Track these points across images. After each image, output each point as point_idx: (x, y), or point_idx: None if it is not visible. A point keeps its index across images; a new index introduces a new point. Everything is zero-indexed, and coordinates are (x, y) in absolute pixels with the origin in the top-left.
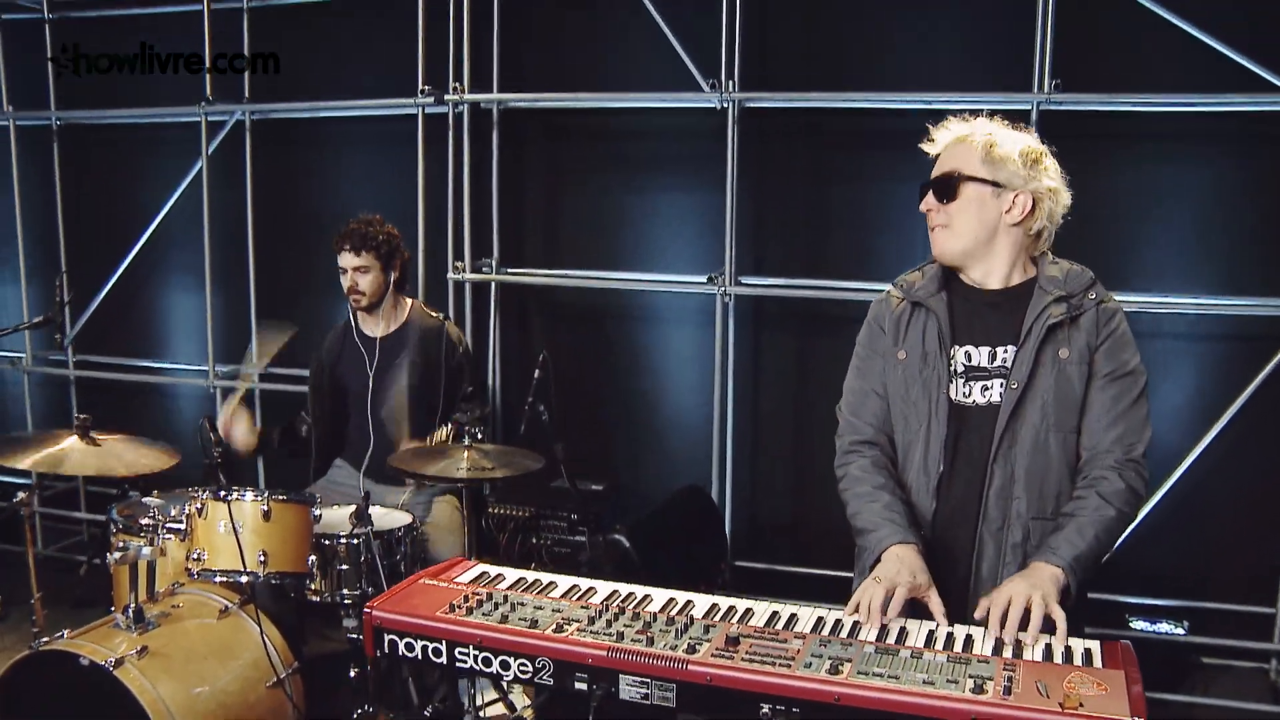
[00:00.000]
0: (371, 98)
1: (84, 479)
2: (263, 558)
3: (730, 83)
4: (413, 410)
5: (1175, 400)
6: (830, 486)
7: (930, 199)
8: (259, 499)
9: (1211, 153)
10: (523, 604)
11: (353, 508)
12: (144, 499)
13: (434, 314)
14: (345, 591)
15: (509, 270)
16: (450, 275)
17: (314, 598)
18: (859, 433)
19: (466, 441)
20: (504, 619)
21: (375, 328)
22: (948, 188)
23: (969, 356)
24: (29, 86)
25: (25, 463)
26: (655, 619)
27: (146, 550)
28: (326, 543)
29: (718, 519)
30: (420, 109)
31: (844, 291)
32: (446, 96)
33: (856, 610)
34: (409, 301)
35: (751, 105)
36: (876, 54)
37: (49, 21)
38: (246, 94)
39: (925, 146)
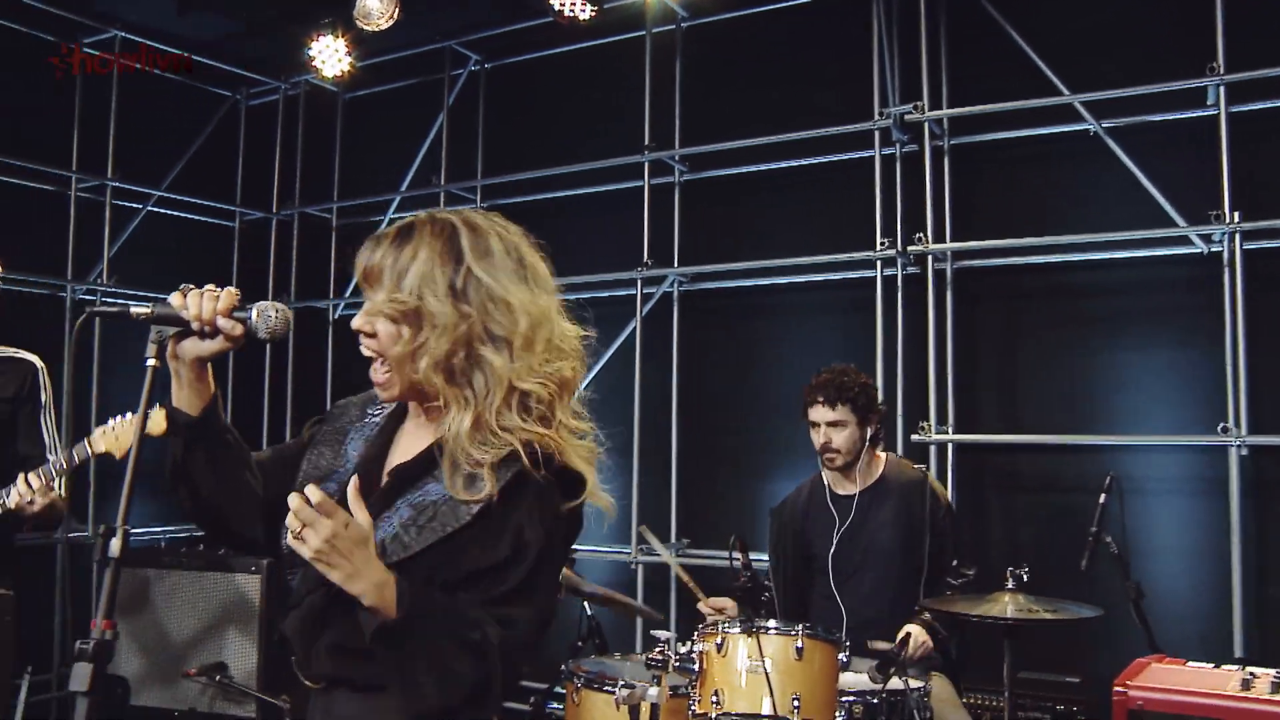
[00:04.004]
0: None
1: None
2: (796, 703)
3: (1234, 214)
4: (895, 572)
5: None
6: None
7: None
8: (792, 634)
9: None
10: None
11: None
12: (653, 631)
13: (915, 466)
14: None
15: (970, 434)
16: (914, 437)
17: None
18: None
19: (1010, 584)
20: None
21: (849, 485)
22: None
23: None
24: None
25: None
26: None
27: (654, 691)
28: (841, 699)
29: None
30: (879, 264)
31: None
32: (910, 248)
33: None
34: (883, 456)
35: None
36: None
37: None
38: (676, 261)
39: None
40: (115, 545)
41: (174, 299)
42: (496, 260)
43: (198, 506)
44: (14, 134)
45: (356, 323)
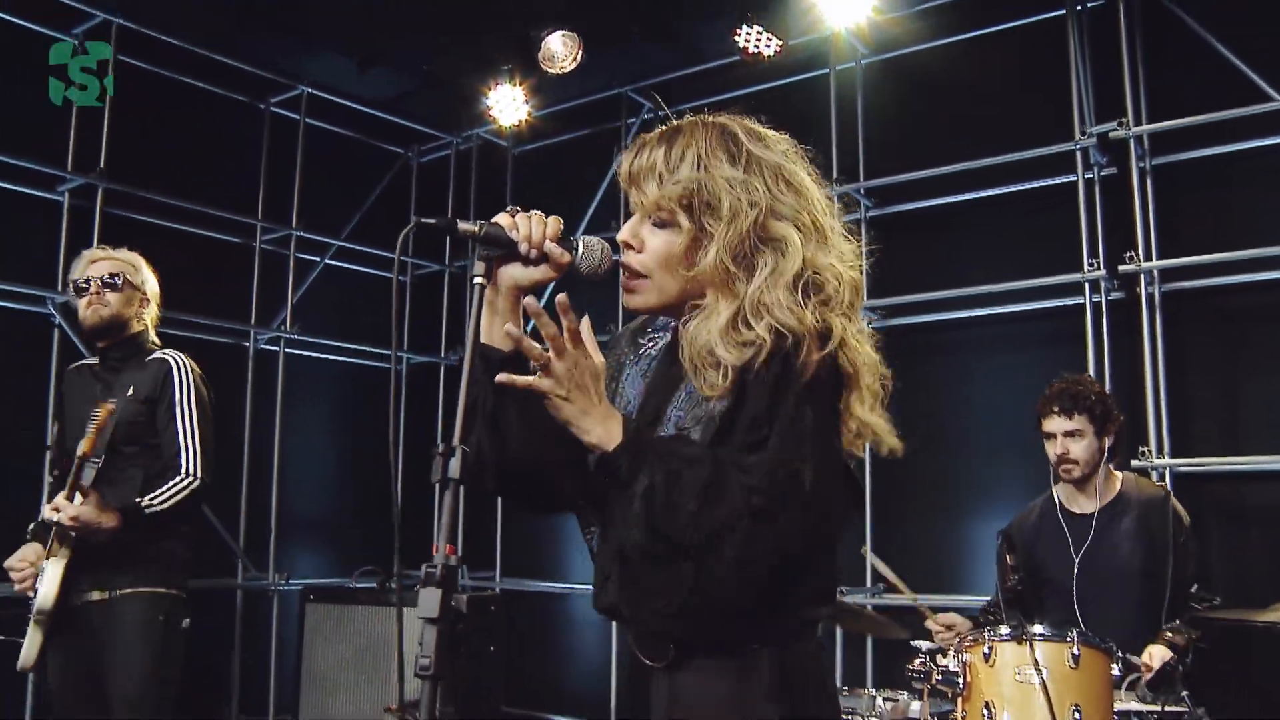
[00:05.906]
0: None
1: None
2: (1077, 714)
3: None
4: (1137, 595)
5: None
6: None
7: None
8: (1066, 641)
9: None
10: None
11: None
12: (914, 642)
13: (1155, 484)
14: None
15: (1189, 459)
16: (1135, 463)
17: None
18: None
19: None
20: None
21: (1085, 503)
22: None
23: None
24: None
25: None
26: None
27: (916, 706)
28: None
29: None
30: (1086, 287)
31: None
32: (1121, 267)
33: None
34: (1119, 474)
35: None
36: None
37: None
38: (865, 295)
39: None
40: (455, 465)
41: (502, 219)
42: (773, 147)
43: (501, 464)
44: (202, 187)
45: (622, 234)
